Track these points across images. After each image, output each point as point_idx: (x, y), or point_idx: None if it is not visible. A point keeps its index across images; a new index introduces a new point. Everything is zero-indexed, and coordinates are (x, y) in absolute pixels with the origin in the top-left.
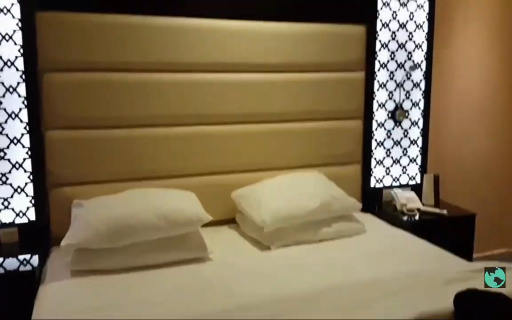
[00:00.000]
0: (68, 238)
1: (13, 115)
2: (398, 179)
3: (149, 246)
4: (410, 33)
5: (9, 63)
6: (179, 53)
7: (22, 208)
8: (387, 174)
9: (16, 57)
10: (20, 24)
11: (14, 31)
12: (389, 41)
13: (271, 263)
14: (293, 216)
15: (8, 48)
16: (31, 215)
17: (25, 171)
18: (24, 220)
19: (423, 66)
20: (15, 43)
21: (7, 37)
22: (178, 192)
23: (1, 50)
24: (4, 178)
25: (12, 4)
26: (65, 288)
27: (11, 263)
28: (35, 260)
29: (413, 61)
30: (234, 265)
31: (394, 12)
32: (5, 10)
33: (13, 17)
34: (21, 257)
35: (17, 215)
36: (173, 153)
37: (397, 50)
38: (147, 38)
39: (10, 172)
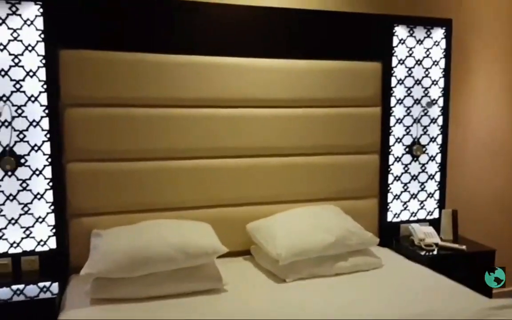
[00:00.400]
0: (88, 267)
1: (36, 148)
2: (415, 214)
3: (165, 277)
4: (427, 69)
5: (33, 98)
6: (196, 89)
7: (43, 237)
8: (405, 208)
9: (40, 93)
10: (44, 61)
11: (38, 67)
12: (405, 77)
13: (287, 296)
14: (309, 250)
15: (32, 84)
16: (52, 243)
17: (46, 201)
18: (45, 248)
19: (440, 102)
20: (39, 79)
21: (31, 73)
22: (193, 223)
23: (26, 86)
24: (26, 208)
25: (37, 42)
26: (84, 315)
27: (31, 290)
28: (55, 287)
29: (429, 97)
30: (249, 297)
31: (410, 49)
32: (30, 48)
33: (38, 54)
34: (41, 284)
35: (38, 243)
36: (190, 185)
37: (413, 86)
38: (164, 74)
39: (32, 202)
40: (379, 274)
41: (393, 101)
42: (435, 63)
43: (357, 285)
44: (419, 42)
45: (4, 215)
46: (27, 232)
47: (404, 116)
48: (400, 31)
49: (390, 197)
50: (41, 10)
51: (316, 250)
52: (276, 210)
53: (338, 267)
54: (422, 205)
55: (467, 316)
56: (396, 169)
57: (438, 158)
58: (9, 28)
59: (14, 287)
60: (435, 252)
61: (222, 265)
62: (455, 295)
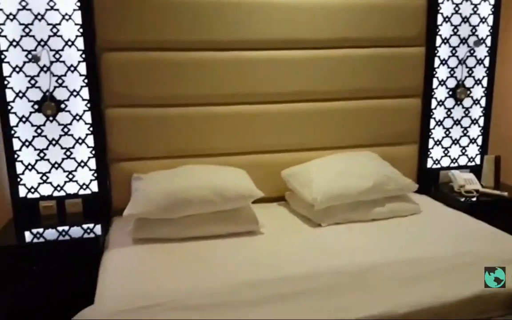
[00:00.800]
0: (130, 208)
1: (74, 93)
2: (456, 160)
3: (203, 219)
4: (475, 5)
5: (69, 43)
6: (232, 31)
7: (85, 180)
8: (445, 155)
9: (76, 37)
10: (79, 4)
11: (74, 10)
12: (452, 14)
13: (322, 239)
14: (345, 195)
15: (69, 28)
16: (94, 187)
17: (87, 146)
18: (87, 191)
19: (488, 41)
20: (75, 23)
21: (67, 17)
22: (230, 169)
23: (62, 29)
24: (68, 153)
25: None
26: (127, 254)
27: (76, 231)
28: (98, 229)
29: (477, 36)
30: (285, 240)
31: None
32: None
33: None
34: (85, 226)
35: (81, 187)
36: (225, 132)
37: (460, 24)
38: (199, 17)
39: (73, 147)
40: (416, 220)
41: (438, 40)
42: None
43: (394, 230)
44: None
45: (48, 159)
46: (70, 176)
47: (449, 57)
48: None
49: (431, 143)
50: None
51: (353, 195)
52: (311, 157)
53: (375, 213)
54: (463, 151)
55: (507, 257)
56: (438, 113)
57: (483, 102)
58: None
59: (60, 228)
60: (474, 199)
61: (258, 210)
62: (495, 239)
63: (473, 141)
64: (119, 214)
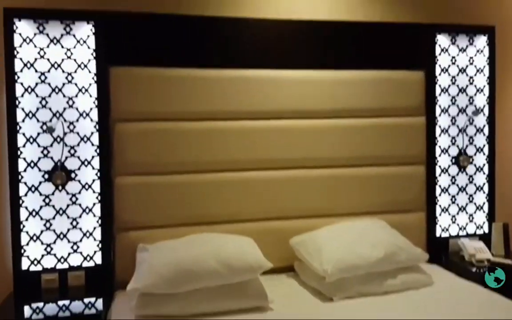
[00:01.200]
0: (134, 282)
1: (86, 163)
2: (464, 228)
3: (210, 293)
4: (471, 77)
5: (84, 114)
6: (239, 102)
7: (89, 252)
8: (453, 222)
9: (91, 109)
10: (95, 78)
11: (90, 84)
12: (449, 86)
13: (335, 316)
14: (357, 266)
15: (85, 100)
16: (98, 259)
17: (94, 215)
18: (91, 263)
19: (486, 110)
20: (91, 95)
21: (83, 90)
22: (237, 237)
23: (78, 102)
24: (74, 223)
25: (89, 60)
26: None
27: (77, 306)
28: (100, 303)
29: (475, 106)
30: (296, 317)
31: (453, 57)
32: (82, 66)
33: (89, 71)
34: (86, 300)
35: (85, 258)
36: (233, 199)
37: (457, 94)
38: (209, 88)
39: (80, 216)
40: (430, 292)
41: (437, 110)
42: (479, 70)
43: (408, 304)
44: (462, 50)
45: (53, 230)
46: (75, 247)
47: (449, 126)
48: (442, 40)
49: (438, 210)
50: (93, 29)
51: (365, 266)
52: (319, 224)
53: (388, 285)
54: (471, 218)
55: None
56: (443, 180)
57: (486, 169)
58: (63, 47)
59: (60, 302)
60: (486, 269)
61: (266, 282)
62: (510, 312)
63: (479, 208)
64: (122, 287)
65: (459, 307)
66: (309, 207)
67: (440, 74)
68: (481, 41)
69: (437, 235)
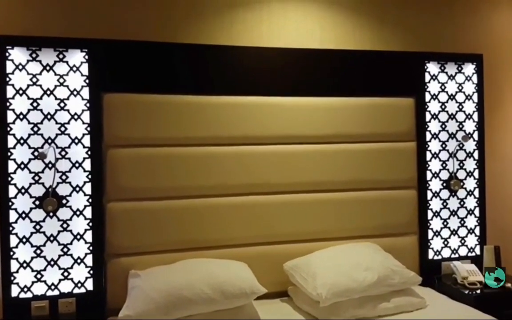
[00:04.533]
0: (126, 309)
1: (77, 189)
2: (457, 251)
3: (204, 319)
4: (460, 103)
5: (76, 140)
6: (231, 128)
7: (80, 278)
8: (445, 245)
9: (83, 135)
10: (88, 105)
11: (83, 111)
12: (439, 112)
13: None
14: (351, 290)
15: (77, 127)
16: (89, 285)
17: (85, 242)
18: (82, 290)
19: (475, 135)
20: (83, 122)
21: (75, 117)
22: (230, 262)
23: (70, 128)
24: (65, 249)
25: (82, 87)
26: None
27: None
28: None
29: (464, 131)
30: None
31: (443, 84)
32: (75, 92)
33: (82, 98)
34: None
35: (76, 285)
36: (226, 224)
37: (447, 120)
38: (202, 114)
39: (71, 243)
40: (423, 315)
41: (428, 135)
42: (468, 97)
43: None
44: (451, 77)
45: (44, 257)
46: (65, 274)
47: (440, 150)
48: (432, 67)
49: (430, 234)
50: (87, 56)
51: (359, 290)
52: (312, 249)
53: (381, 308)
54: (463, 241)
55: None
56: (435, 204)
57: (476, 193)
58: (56, 74)
59: None
60: (479, 291)
61: (260, 307)
62: None
63: (471, 231)
64: (114, 314)
65: None
66: (302, 231)
67: (430, 101)
68: (469, 68)
69: (430, 257)
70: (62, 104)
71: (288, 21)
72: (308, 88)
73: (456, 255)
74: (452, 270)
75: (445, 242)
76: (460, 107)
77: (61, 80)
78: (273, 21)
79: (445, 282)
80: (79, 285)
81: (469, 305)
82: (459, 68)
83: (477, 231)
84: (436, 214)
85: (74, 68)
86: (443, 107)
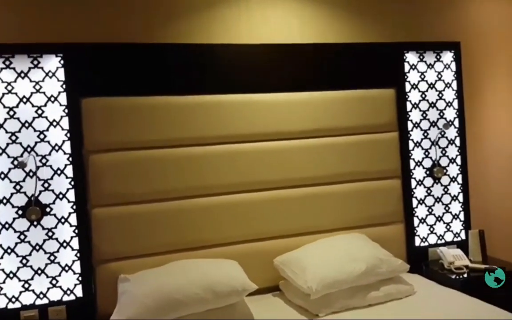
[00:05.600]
0: (117, 313)
1: (60, 196)
2: (443, 237)
3: (196, 319)
4: (440, 92)
5: (56, 147)
6: (213, 127)
7: (69, 285)
8: (431, 232)
9: (63, 141)
10: (66, 111)
11: (61, 117)
12: (419, 101)
13: None
14: (340, 281)
15: (56, 133)
16: (78, 292)
17: (72, 249)
18: (71, 297)
19: (456, 122)
20: (62, 128)
21: (54, 123)
22: (221, 261)
23: (50, 135)
24: (52, 257)
25: (59, 93)
26: None
27: None
28: None
29: (445, 119)
30: None
31: (422, 73)
32: (52, 98)
33: (60, 104)
34: None
35: (65, 292)
36: (214, 223)
37: (428, 109)
38: (183, 115)
39: (58, 251)
40: (412, 301)
41: (410, 125)
42: (448, 85)
43: (393, 314)
44: (430, 66)
45: (30, 266)
46: (54, 282)
47: (422, 139)
48: (411, 57)
49: (415, 221)
50: (62, 61)
51: (348, 281)
52: (301, 242)
53: (371, 297)
54: (448, 227)
55: None
56: (419, 192)
57: (460, 179)
58: (31, 81)
59: None
60: (465, 275)
61: (252, 303)
62: (491, 317)
63: (455, 217)
64: None
65: (442, 314)
66: (291, 226)
67: (410, 91)
68: (448, 56)
69: (417, 245)
70: (39, 111)
71: (267, 17)
72: (289, 83)
73: (442, 241)
74: (439, 256)
75: (431, 229)
76: (440, 95)
77: (37, 87)
78: (252, 18)
79: (433, 268)
80: (68, 292)
81: (456, 289)
82: (438, 57)
83: (461, 216)
84: (421, 201)
85: (50, 74)
86: (423, 96)
